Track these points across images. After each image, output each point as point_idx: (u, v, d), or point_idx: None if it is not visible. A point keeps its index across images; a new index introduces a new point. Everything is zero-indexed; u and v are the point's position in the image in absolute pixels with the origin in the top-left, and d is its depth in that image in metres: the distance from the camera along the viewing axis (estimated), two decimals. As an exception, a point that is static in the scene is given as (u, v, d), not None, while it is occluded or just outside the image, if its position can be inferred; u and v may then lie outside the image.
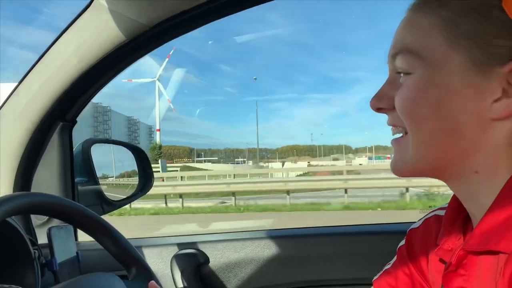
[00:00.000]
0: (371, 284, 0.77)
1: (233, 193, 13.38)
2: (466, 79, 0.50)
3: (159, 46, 1.04)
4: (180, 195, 13.59)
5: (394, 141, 0.58)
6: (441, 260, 0.61)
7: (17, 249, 0.82)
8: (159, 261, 1.19)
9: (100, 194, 1.27)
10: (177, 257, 1.18)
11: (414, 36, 0.54)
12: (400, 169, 0.57)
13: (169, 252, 1.19)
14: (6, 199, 0.63)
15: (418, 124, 0.53)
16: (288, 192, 13.05)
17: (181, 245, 1.20)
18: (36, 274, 0.82)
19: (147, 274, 0.81)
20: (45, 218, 1.14)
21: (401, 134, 0.57)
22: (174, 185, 14.38)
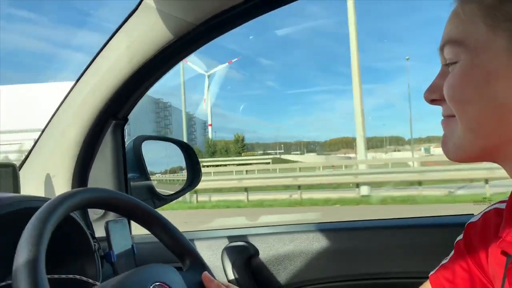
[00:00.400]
0: (427, 278, 0.76)
1: (420, 183, 12.34)
2: (509, 61, 0.51)
3: (206, 43, 1.06)
4: (357, 185, 12.88)
5: (442, 122, 0.60)
6: (503, 253, 0.60)
7: (79, 242, 0.86)
8: (210, 254, 1.21)
9: (151, 189, 1.32)
10: (227, 250, 1.20)
11: (458, 27, 0.56)
12: (451, 151, 0.58)
13: (220, 244, 1.22)
14: (70, 195, 0.67)
15: (464, 109, 0.54)
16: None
17: (231, 238, 1.22)
18: (96, 265, 0.86)
19: (201, 265, 0.83)
20: (101, 212, 1.19)
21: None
22: (356, 174, 13.65)
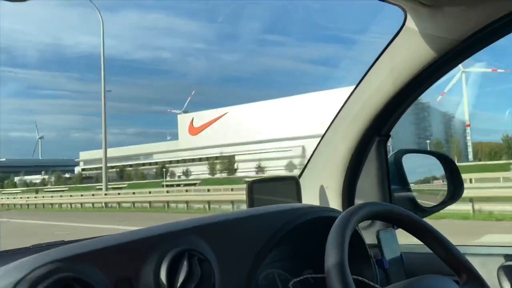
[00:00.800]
0: None
1: None
2: None
3: (470, 57, 1.06)
4: None
5: None
6: None
7: (358, 249, 0.98)
8: (484, 271, 1.16)
9: (413, 201, 1.36)
10: (505, 268, 1.14)
11: None
12: None
13: (495, 262, 1.16)
14: (360, 207, 0.78)
15: None
16: None
17: (508, 257, 1.15)
18: (373, 270, 0.96)
19: (479, 281, 0.82)
20: (369, 221, 1.29)
21: None
22: None
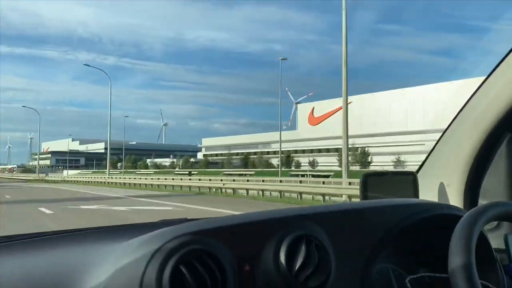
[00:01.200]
0: None
1: None
2: None
3: None
4: None
5: None
6: None
7: (483, 251, 0.90)
8: None
9: None
10: None
11: None
12: None
13: None
14: (491, 206, 0.73)
15: None
16: None
17: None
18: (500, 276, 0.88)
19: None
20: (494, 223, 1.19)
21: None
22: None
